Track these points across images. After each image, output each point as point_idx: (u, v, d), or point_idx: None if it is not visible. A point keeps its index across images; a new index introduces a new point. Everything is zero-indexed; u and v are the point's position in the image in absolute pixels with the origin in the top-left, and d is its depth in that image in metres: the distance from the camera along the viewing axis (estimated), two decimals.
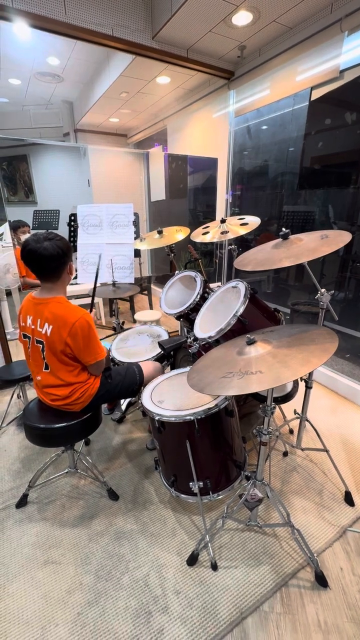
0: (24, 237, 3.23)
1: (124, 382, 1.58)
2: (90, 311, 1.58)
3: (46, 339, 1.32)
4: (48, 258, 1.26)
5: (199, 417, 1.28)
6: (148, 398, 1.45)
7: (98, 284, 1.92)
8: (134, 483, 1.70)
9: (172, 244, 2.18)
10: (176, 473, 1.43)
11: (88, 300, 2.17)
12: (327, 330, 1.09)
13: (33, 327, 1.35)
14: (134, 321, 2.90)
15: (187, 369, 1.63)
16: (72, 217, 3.24)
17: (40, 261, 1.27)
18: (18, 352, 2.72)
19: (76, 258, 2.52)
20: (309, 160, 3.01)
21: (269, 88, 2.74)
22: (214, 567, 1.29)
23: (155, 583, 1.25)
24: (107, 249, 2.44)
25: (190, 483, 1.36)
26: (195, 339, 1.61)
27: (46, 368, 1.39)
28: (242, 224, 1.94)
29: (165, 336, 2.11)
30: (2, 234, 3.01)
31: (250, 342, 1.10)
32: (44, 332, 1.32)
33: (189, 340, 1.66)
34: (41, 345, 1.35)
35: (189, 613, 1.15)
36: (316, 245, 1.23)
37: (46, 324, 1.31)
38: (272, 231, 3.39)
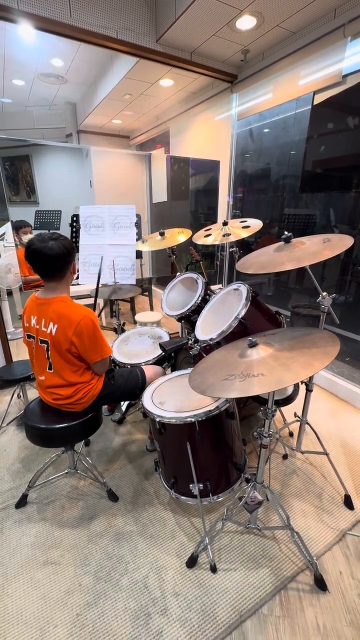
0: (25, 238, 3.23)
1: (127, 385, 1.58)
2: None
3: (51, 338, 1.33)
4: (54, 257, 1.28)
5: (200, 419, 1.28)
6: (149, 399, 1.45)
7: (100, 285, 1.93)
8: (133, 484, 1.70)
9: (174, 245, 2.18)
10: (176, 475, 1.43)
11: (89, 301, 2.18)
12: (328, 333, 1.09)
13: (37, 327, 1.36)
14: (135, 322, 2.91)
15: (188, 370, 1.63)
16: (74, 218, 3.24)
17: (46, 261, 1.28)
18: (18, 352, 2.72)
19: (78, 259, 2.52)
20: (310, 163, 3.02)
21: (271, 92, 2.75)
22: (213, 569, 1.29)
23: (154, 585, 1.25)
24: (109, 250, 2.44)
25: (191, 485, 1.36)
26: (197, 341, 1.61)
27: (50, 368, 1.39)
28: (244, 227, 1.95)
29: (166, 337, 2.11)
30: (4, 234, 3.02)
31: (252, 345, 1.11)
32: (48, 331, 1.32)
33: (190, 341, 1.66)
34: (45, 345, 1.35)
35: (188, 615, 1.15)
36: (318, 248, 1.23)
37: (51, 324, 1.32)
38: (273, 234, 3.40)
